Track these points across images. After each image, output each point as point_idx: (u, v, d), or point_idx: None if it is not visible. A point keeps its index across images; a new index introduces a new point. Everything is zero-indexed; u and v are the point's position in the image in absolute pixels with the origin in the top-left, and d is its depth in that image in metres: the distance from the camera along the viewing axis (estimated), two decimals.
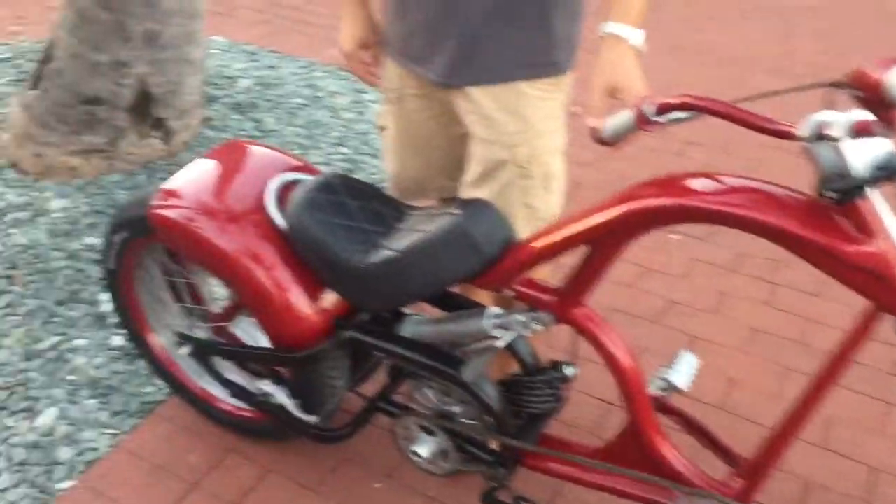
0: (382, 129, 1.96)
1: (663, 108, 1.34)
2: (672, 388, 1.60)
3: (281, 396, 1.82)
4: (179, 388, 2.08)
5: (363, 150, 3.25)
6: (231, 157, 1.81)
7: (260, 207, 1.70)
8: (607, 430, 2.13)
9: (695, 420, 1.69)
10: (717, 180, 1.31)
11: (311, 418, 1.82)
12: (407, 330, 1.73)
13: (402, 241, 1.57)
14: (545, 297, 1.52)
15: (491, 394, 1.63)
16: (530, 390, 1.70)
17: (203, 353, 1.93)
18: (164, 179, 2.97)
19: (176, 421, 2.14)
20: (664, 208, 1.30)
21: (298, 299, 1.68)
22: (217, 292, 2.11)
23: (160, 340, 2.05)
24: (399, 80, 1.82)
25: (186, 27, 2.96)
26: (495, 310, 1.61)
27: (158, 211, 1.72)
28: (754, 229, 1.24)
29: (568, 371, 1.72)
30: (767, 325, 2.49)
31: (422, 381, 1.73)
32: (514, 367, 1.73)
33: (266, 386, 1.85)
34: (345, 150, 3.24)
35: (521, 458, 1.73)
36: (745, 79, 4.14)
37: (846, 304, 2.57)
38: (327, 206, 1.65)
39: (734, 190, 1.28)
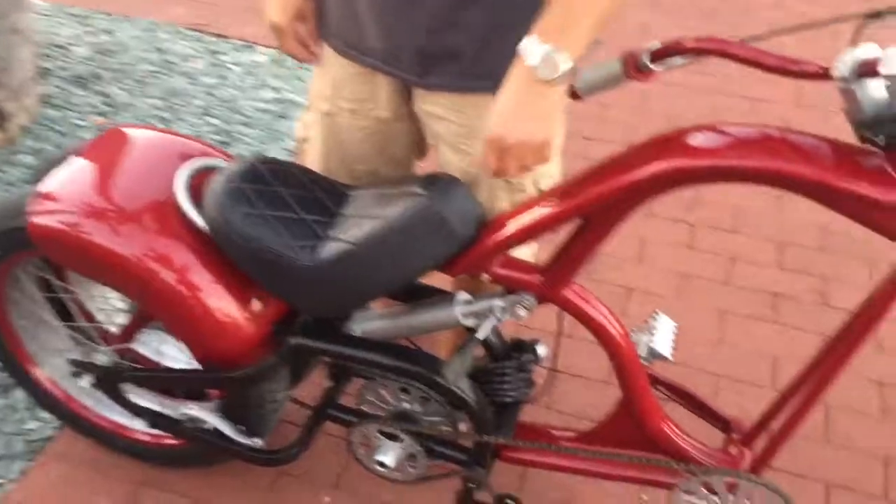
0: (304, 140, 1.64)
1: (660, 55, 1.18)
2: (657, 356, 1.48)
3: (214, 420, 1.56)
4: (76, 421, 1.76)
5: (233, 120, 2.91)
6: (117, 147, 1.49)
7: (167, 203, 1.41)
8: (566, 404, 2.00)
9: (680, 387, 1.58)
10: (730, 134, 1.16)
11: (254, 441, 1.57)
12: (358, 327, 1.51)
13: (355, 229, 1.33)
14: (530, 277, 1.33)
15: (470, 392, 1.44)
16: (501, 378, 1.54)
17: (110, 381, 1.62)
18: (3, 173, 2.54)
19: (73, 458, 1.82)
20: (672, 172, 1.14)
21: (224, 304, 1.42)
22: (112, 306, 1.78)
23: (46, 371, 1.71)
24: (334, 87, 1.49)
25: None
26: (465, 295, 1.42)
27: (40, 220, 1.39)
28: (784, 184, 1.10)
29: (540, 351, 1.57)
30: (693, 269, 2.43)
31: (376, 381, 1.51)
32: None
33: (193, 410, 1.58)
34: (214, 120, 2.89)
35: (499, 453, 1.57)
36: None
37: (766, 240, 2.53)
38: (255, 196, 1.39)
39: (753, 142, 1.13)
